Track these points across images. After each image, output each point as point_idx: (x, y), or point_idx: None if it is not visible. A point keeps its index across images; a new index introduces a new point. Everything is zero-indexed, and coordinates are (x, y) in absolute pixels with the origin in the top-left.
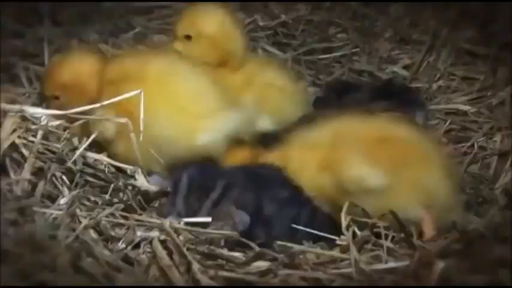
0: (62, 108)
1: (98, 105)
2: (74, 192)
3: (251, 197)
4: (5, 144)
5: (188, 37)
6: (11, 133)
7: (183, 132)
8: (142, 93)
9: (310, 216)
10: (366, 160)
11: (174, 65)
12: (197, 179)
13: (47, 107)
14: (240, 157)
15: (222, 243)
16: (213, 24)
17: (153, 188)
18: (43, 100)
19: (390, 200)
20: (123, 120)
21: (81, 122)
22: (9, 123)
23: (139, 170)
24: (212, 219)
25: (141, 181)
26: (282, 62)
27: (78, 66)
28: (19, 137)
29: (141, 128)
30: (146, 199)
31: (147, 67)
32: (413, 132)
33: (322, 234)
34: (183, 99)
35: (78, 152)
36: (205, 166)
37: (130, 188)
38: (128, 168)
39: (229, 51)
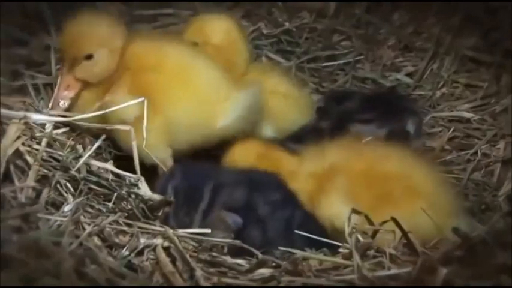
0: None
1: (99, 112)
2: (78, 200)
3: (241, 194)
4: (9, 151)
5: (195, 44)
6: (15, 140)
7: (202, 119)
8: (145, 101)
9: (304, 218)
10: (345, 199)
11: (189, 54)
12: (182, 187)
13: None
14: (250, 152)
15: (225, 250)
16: (219, 32)
17: (156, 196)
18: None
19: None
20: (126, 127)
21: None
22: (12, 130)
23: (143, 179)
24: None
25: (145, 189)
26: (286, 69)
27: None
28: (23, 144)
29: (145, 135)
30: (149, 208)
31: (165, 57)
32: (402, 163)
33: (319, 238)
34: (200, 87)
35: (82, 160)
36: (189, 169)
37: (133, 196)
38: (132, 176)
39: (234, 60)
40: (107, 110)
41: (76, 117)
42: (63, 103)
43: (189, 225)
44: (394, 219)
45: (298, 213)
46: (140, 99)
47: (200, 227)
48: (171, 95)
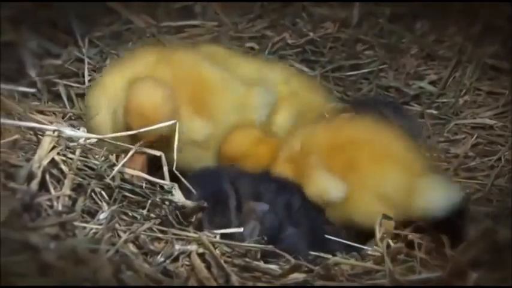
0: None
1: (131, 132)
2: (113, 208)
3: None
4: (45, 161)
5: None
6: (50, 150)
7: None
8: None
9: (302, 201)
10: (325, 173)
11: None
12: (207, 196)
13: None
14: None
15: (259, 256)
16: None
17: (189, 203)
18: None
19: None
20: (157, 153)
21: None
22: (47, 140)
23: (176, 186)
24: (242, 224)
25: (178, 196)
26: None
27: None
28: (58, 153)
29: (175, 157)
30: (183, 214)
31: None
32: (369, 130)
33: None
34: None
35: (116, 168)
36: (203, 179)
37: (167, 203)
38: (165, 184)
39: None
40: (140, 130)
41: (108, 136)
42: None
43: (227, 225)
44: (423, 222)
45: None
46: (172, 122)
47: (236, 222)
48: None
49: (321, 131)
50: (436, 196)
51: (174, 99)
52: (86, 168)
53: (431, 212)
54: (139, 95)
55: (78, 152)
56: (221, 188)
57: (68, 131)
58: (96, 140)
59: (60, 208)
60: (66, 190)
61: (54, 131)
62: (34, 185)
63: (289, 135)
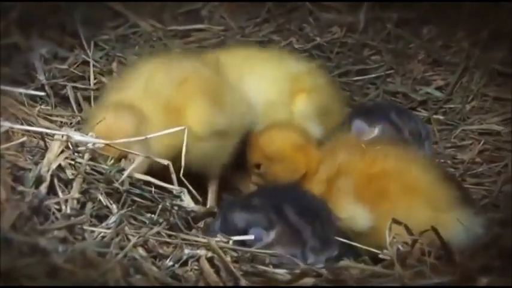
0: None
1: (141, 138)
2: (122, 212)
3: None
4: (54, 165)
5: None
6: (59, 154)
7: None
8: (186, 129)
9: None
10: (354, 201)
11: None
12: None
13: None
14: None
15: (267, 261)
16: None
17: (198, 208)
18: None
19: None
20: (164, 162)
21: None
22: (56, 145)
23: (185, 191)
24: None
25: (187, 201)
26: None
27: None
28: (67, 158)
29: (183, 164)
30: (192, 219)
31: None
32: (401, 162)
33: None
34: None
35: (125, 173)
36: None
37: (176, 208)
38: (174, 188)
39: None
40: (149, 136)
41: (117, 141)
42: None
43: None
44: (433, 229)
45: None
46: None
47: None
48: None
49: (358, 158)
50: (458, 232)
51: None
52: (95, 173)
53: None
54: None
55: (86, 156)
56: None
57: (77, 136)
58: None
59: (68, 211)
60: (75, 193)
61: (62, 135)
62: (43, 188)
63: (327, 154)
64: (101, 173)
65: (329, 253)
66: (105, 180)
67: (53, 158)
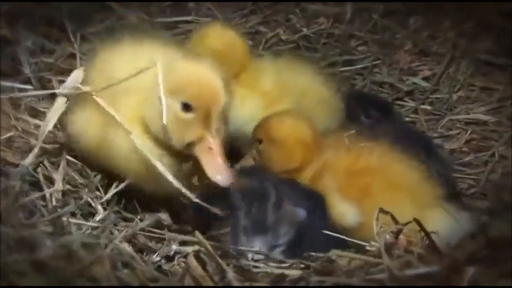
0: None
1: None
2: (110, 208)
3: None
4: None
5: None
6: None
7: None
8: None
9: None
10: (340, 197)
11: None
12: (247, 189)
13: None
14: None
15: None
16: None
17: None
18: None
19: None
20: (172, 180)
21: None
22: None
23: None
24: (277, 223)
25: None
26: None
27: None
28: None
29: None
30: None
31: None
32: (385, 158)
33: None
34: None
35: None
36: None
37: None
38: None
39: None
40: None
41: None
42: None
43: (263, 221)
44: (416, 220)
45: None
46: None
47: (272, 219)
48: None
49: (342, 155)
50: (443, 229)
51: None
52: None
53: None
54: None
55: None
56: (262, 184)
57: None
58: None
59: (54, 203)
60: (58, 185)
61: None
62: (27, 183)
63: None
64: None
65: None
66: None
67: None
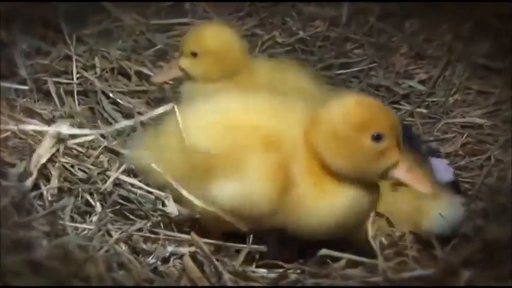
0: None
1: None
2: (106, 210)
3: None
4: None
5: (194, 54)
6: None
7: None
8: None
9: None
10: None
11: None
12: None
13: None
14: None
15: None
16: (217, 40)
17: (183, 211)
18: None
19: None
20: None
21: None
22: (47, 141)
23: (170, 197)
24: None
25: (171, 207)
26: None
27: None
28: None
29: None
30: (176, 223)
31: None
32: None
33: None
34: None
35: (111, 178)
36: None
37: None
38: (159, 193)
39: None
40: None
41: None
42: None
43: None
44: (412, 233)
45: None
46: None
47: None
48: None
49: None
50: (441, 221)
51: None
52: (79, 172)
53: (435, 232)
54: None
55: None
56: None
57: (65, 131)
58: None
59: (50, 198)
60: (54, 182)
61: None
62: (28, 183)
63: None
64: (85, 172)
65: None
66: (88, 180)
67: (44, 153)
